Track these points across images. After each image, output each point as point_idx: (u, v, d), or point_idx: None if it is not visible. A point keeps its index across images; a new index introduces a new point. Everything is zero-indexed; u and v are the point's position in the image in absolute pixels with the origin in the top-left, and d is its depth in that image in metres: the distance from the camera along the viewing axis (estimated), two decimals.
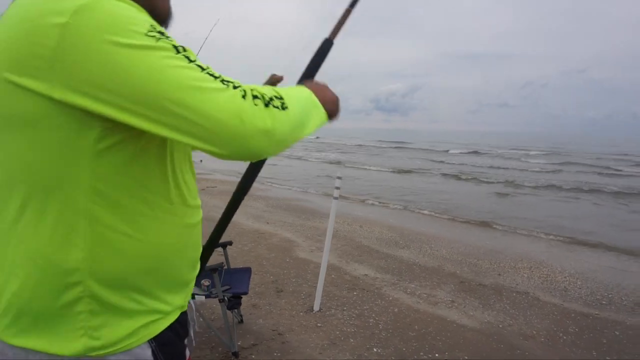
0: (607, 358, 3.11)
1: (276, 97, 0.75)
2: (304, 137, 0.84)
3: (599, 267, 5.51)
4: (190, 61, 0.68)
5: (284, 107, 0.75)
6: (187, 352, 1.02)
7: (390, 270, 4.84)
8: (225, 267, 3.29)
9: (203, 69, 0.68)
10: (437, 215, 9.00)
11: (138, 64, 0.64)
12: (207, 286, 2.94)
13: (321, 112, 0.91)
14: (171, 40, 0.68)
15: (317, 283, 3.74)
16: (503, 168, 21.62)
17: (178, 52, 0.67)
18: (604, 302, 4.23)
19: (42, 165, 0.71)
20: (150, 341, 0.84)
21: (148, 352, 0.83)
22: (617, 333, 3.54)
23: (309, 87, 0.92)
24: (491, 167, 22.15)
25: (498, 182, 15.50)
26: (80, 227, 0.74)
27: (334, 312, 3.63)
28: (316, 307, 3.64)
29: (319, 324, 3.39)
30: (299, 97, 0.84)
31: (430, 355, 2.99)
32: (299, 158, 26.15)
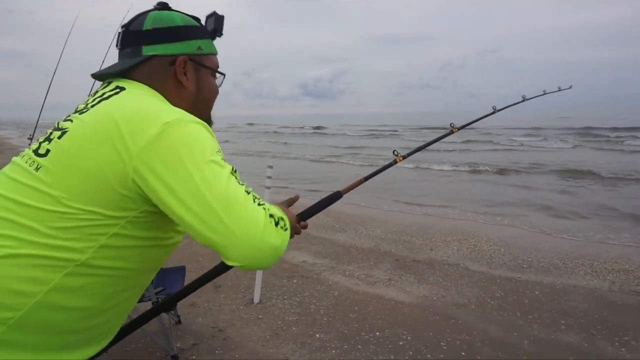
0: (529, 316, 3.37)
1: (281, 218, 0.89)
2: None
3: (518, 234, 5.95)
4: (240, 183, 0.87)
5: (285, 229, 0.89)
6: None
7: (328, 255, 4.89)
8: None
9: (247, 192, 0.86)
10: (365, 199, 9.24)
11: (206, 170, 0.83)
12: None
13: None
14: (228, 164, 0.89)
15: (255, 275, 3.68)
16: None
17: (233, 172, 0.88)
18: (524, 266, 4.57)
19: None
20: None
21: None
22: (537, 292, 3.84)
23: (285, 211, 1.08)
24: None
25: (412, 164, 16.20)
26: None
27: (274, 302, 3.61)
28: (256, 299, 3.59)
29: (260, 316, 3.35)
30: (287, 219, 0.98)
31: (371, 335, 3.06)
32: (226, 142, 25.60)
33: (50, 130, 0.96)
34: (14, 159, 0.96)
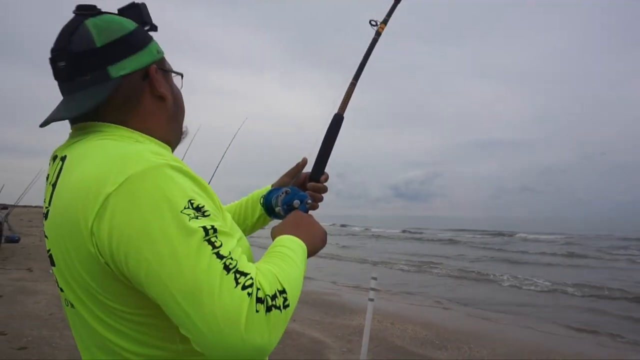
0: None
1: (280, 291, 0.71)
2: None
3: None
4: (215, 247, 0.68)
5: (285, 306, 0.71)
6: None
7: None
8: None
9: (228, 266, 0.67)
10: (472, 310, 8.55)
11: (166, 250, 0.66)
12: None
13: (305, 265, 0.88)
14: (202, 220, 0.69)
15: None
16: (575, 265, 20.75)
17: (207, 234, 0.68)
18: None
19: None
20: None
21: None
22: None
23: (302, 237, 0.90)
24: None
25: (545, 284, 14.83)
26: None
27: None
28: None
29: None
30: (300, 268, 0.82)
31: None
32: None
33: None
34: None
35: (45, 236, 0.83)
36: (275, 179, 1.30)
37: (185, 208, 0.69)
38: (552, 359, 5.26)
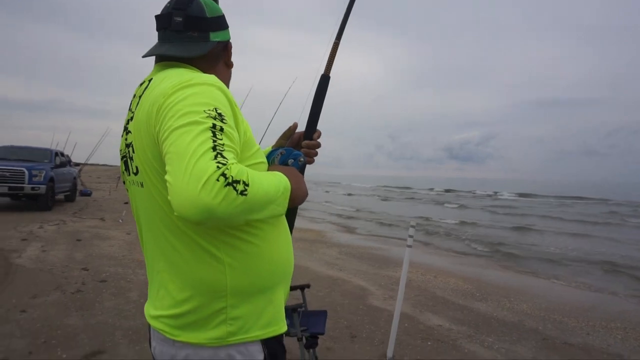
0: None
1: (244, 182, 0.88)
2: (257, 218, 0.97)
3: None
4: (214, 137, 0.90)
5: (242, 193, 0.87)
6: None
7: (466, 323, 4.72)
8: (303, 308, 3.47)
9: (215, 148, 0.88)
10: (517, 268, 8.59)
11: (182, 129, 0.91)
12: (287, 325, 3.13)
13: (284, 205, 1.04)
14: (218, 121, 0.93)
15: (390, 331, 3.78)
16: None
17: (214, 128, 0.92)
18: None
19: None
20: (264, 346, 1.11)
21: (260, 357, 1.11)
22: None
23: (291, 180, 1.08)
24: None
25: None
26: (224, 256, 1.06)
27: (406, 359, 3.64)
28: (389, 354, 3.67)
29: None
30: (272, 190, 0.98)
31: None
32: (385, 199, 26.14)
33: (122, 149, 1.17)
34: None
35: (129, 131, 1.13)
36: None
37: (211, 109, 0.95)
38: (594, 315, 5.30)
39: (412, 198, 35.41)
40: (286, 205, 1.07)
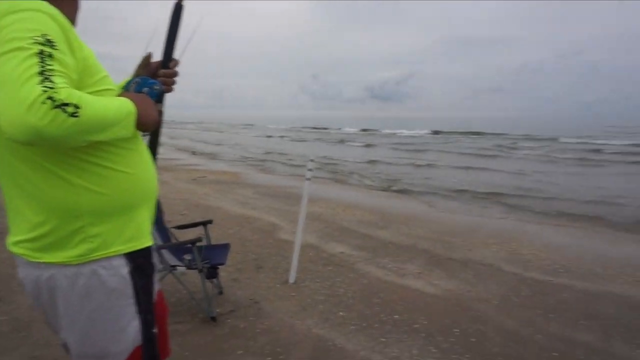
0: (550, 315, 3.44)
1: (75, 105, 0.93)
2: (99, 139, 1.05)
3: (565, 241, 5.85)
4: (42, 63, 0.93)
5: (73, 115, 0.93)
6: (155, 287, 1.34)
7: (365, 248, 5.16)
8: (205, 243, 3.59)
9: (42, 72, 0.92)
10: (418, 199, 9.36)
11: (6, 56, 0.93)
12: (189, 260, 3.25)
13: (128, 128, 1.13)
14: (47, 47, 0.96)
15: (292, 258, 4.05)
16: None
17: (42, 54, 0.94)
18: (561, 271, 4.56)
19: None
20: (128, 260, 1.22)
21: (125, 270, 1.22)
22: (565, 295, 3.88)
23: (137, 105, 1.15)
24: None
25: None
26: (74, 178, 1.13)
27: (307, 283, 3.96)
28: (291, 280, 3.96)
29: (292, 294, 3.71)
30: (111, 113, 1.05)
31: (389, 317, 3.32)
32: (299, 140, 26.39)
33: None
34: None
35: None
36: None
37: (38, 35, 0.96)
38: (477, 235, 6.02)
39: (321, 139, 36.04)
40: (131, 129, 1.15)
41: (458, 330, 3.14)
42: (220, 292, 3.65)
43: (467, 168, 15.54)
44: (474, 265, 4.67)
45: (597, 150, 22.34)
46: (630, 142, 26.33)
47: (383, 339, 2.99)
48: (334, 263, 4.57)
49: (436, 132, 42.55)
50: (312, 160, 4.00)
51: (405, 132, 43.96)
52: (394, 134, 41.86)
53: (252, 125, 71.45)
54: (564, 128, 53.15)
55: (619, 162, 17.81)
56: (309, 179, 3.95)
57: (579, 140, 29.23)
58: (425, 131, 44.03)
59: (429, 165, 16.53)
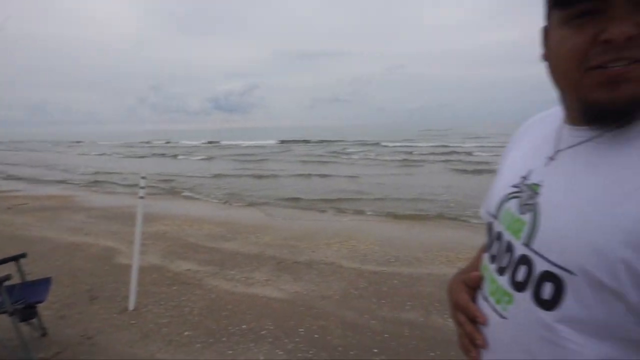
0: (383, 301, 3.84)
1: None
2: None
3: (395, 234, 6.58)
4: None
5: None
6: None
7: (213, 262, 5.07)
8: (19, 280, 3.12)
9: None
10: (263, 209, 9.55)
11: None
12: None
13: None
14: None
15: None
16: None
17: None
18: (392, 260, 5.12)
19: None
20: None
21: None
22: (395, 282, 4.36)
23: None
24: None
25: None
26: None
27: (150, 308, 3.72)
28: (131, 307, 3.68)
29: (132, 321, 3.45)
30: None
31: (237, 328, 3.32)
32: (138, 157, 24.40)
33: None
34: None
35: None
36: None
37: None
38: (320, 237, 6.39)
39: (162, 154, 34.43)
40: None
41: (303, 330, 3.29)
42: (44, 334, 3.20)
43: (308, 175, 16.39)
44: (318, 265, 4.95)
45: (410, 152, 25.73)
46: (437, 144, 31.03)
47: (230, 352, 2.97)
48: (180, 282, 4.38)
49: (282, 142, 43.90)
50: (143, 178, 3.78)
51: (250, 142, 44.56)
52: (238, 145, 41.98)
53: (80, 142, 64.02)
54: (387, 133, 59.71)
55: (431, 161, 20.72)
56: (142, 197, 3.73)
57: (397, 144, 33.26)
58: (272, 141, 45.10)
59: (273, 176, 16.97)
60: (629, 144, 0.58)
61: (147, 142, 54.44)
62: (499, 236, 0.73)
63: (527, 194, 0.69)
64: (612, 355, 0.56)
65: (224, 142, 46.67)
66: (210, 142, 47.11)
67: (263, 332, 3.24)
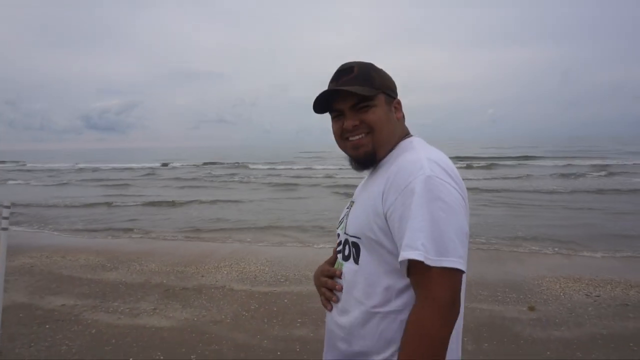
0: (274, 320, 3.96)
1: None
2: None
3: (284, 255, 6.75)
4: None
5: None
6: None
7: (92, 295, 4.71)
8: None
9: None
10: (150, 235, 9.09)
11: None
12: None
13: None
14: None
15: None
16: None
17: None
18: (282, 280, 5.27)
19: None
20: None
21: None
22: (286, 301, 4.51)
23: None
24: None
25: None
26: None
27: (18, 351, 3.35)
28: None
29: None
30: None
31: None
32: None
33: None
34: None
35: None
36: None
37: None
38: (209, 260, 6.30)
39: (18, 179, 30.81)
40: None
41: (195, 356, 3.26)
42: None
43: (174, 201, 15.93)
44: (208, 290, 4.89)
45: (277, 175, 25.60)
46: (303, 167, 31.91)
47: None
48: (53, 319, 4.01)
49: (165, 164, 41.63)
50: (7, 207, 3.44)
51: (117, 165, 41.60)
52: (100, 167, 38.57)
53: None
54: (265, 155, 58.92)
55: (300, 185, 20.44)
56: (5, 229, 3.38)
57: (265, 167, 33.28)
58: (156, 164, 42.49)
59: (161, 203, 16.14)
60: (377, 174, 1.16)
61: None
62: (338, 236, 1.24)
63: (350, 205, 1.26)
64: (395, 282, 1.05)
65: (82, 165, 42.20)
66: (79, 167, 42.26)
67: None
